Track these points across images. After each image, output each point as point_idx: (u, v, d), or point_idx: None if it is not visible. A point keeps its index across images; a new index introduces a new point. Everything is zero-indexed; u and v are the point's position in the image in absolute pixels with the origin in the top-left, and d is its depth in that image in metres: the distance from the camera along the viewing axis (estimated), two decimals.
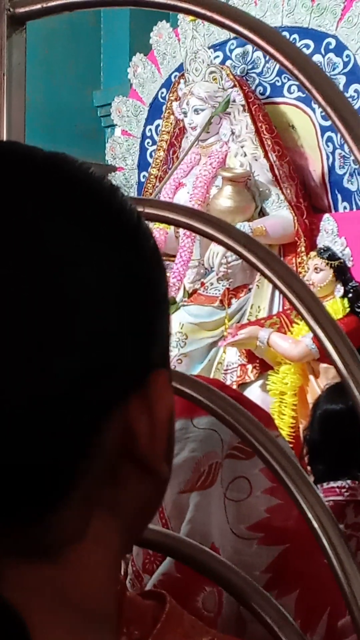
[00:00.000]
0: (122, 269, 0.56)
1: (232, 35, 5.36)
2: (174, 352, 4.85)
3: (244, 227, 4.72)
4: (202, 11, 0.90)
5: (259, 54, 5.29)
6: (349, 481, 2.13)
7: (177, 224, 0.94)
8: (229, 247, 0.90)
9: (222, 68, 5.21)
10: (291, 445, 3.88)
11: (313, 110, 5.05)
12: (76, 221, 0.55)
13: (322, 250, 4.66)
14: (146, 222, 0.61)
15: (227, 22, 0.91)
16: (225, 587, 0.96)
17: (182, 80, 5.32)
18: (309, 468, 2.26)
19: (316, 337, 0.85)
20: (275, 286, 0.87)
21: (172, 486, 1.46)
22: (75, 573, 0.56)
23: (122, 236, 0.57)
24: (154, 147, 5.63)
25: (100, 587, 0.58)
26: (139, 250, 0.58)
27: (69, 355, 0.52)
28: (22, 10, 1.00)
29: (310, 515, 0.84)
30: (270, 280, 0.88)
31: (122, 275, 0.56)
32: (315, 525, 0.83)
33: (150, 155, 5.67)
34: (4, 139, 1.00)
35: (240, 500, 1.44)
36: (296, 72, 0.86)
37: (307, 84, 0.84)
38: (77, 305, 0.53)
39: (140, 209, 0.98)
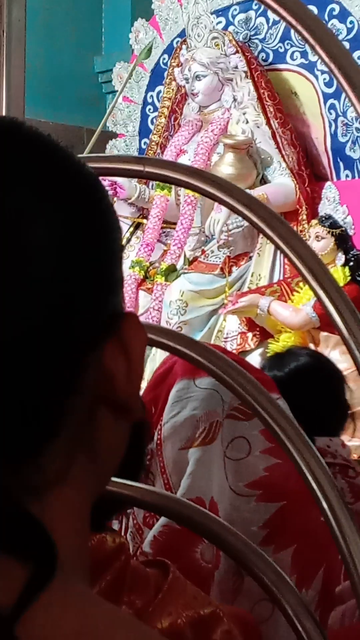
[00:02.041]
0: (77, 223, 0.61)
1: (235, 0, 5.33)
2: (173, 320, 4.85)
3: None
4: None
5: (262, 20, 5.25)
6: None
7: (178, 183, 0.93)
8: (230, 207, 0.89)
9: (224, 34, 5.16)
10: None
11: (316, 77, 5.02)
12: (31, 180, 0.59)
13: (323, 219, 4.64)
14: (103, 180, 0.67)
15: None
16: (223, 548, 0.96)
17: (184, 46, 5.27)
18: None
19: (317, 298, 0.84)
20: (276, 246, 0.87)
21: (174, 443, 1.48)
22: (53, 516, 0.58)
23: (77, 192, 0.62)
24: (156, 113, 5.59)
25: (76, 533, 0.60)
26: (94, 206, 0.63)
27: (29, 301, 0.57)
28: None
29: (309, 477, 0.84)
30: (271, 241, 0.87)
31: (77, 229, 0.60)
32: (314, 486, 0.83)
33: (152, 122, 5.63)
34: (4, 95, 0.99)
35: (240, 459, 1.45)
36: (300, 28, 0.84)
37: (311, 40, 0.83)
38: (33, 256, 0.58)
39: (140, 168, 0.97)
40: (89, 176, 0.64)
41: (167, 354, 1.54)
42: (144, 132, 5.70)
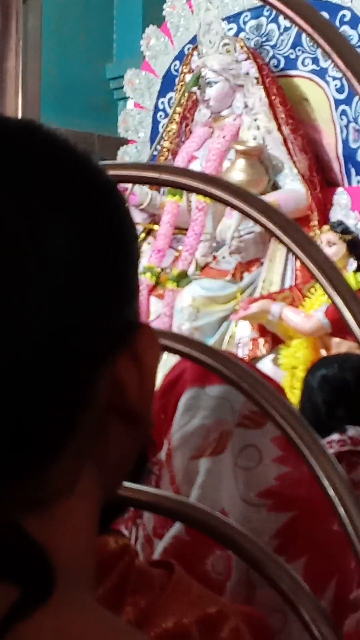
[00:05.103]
0: (93, 233, 0.59)
1: (246, 7, 5.34)
2: (185, 326, 4.85)
3: None
4: None
5: (273, 26, 5.26)
6: (336, 435, 2.14)
7: (194, 190, 0.93)
8: (246, 213, 0.89)
9: (235, 40, 5.17)
10: None
11: (327, 83, 5.02)
12: (46, 188, 0.58)
13: (335, 225, 4.64)
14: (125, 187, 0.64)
15: None
16: (239, 554, 0.96)
17: (195, 53, 5.29)
18: None
19: (333, 304, 0.84)
20: (293, 253, 0.87)
21: (184, 453, 1.47)
22: (59, 529, 0.58)
23: (94, 201, 0.60)
24: (167, 119, 5.60)
25: (81, 543, 0.59)
26: (112, 214, 0.61)
27: (43, 314, 0.55)
28: None
29: (326, 483, 0.84)
30: (288, 247, 0.88)
31: (93, 239, 0.58)
32: (331, 493, 0.83)
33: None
34: (20, 104, 1.00)
35: (250, 469, 1.44)
36: (316, 36, 0.85)
37: (327, 48, 0.83)
38: (47, 268, 0.56)
39: (156, 175, 0.98)
40: (107, 183, 0.62)
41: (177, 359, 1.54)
42: (155, 138, 5.71)
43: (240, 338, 4.84)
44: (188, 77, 5.31)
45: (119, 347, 0.60)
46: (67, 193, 0.59)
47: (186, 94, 5.40)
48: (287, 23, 5.02)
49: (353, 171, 4.97)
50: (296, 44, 5.14)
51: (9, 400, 0.55)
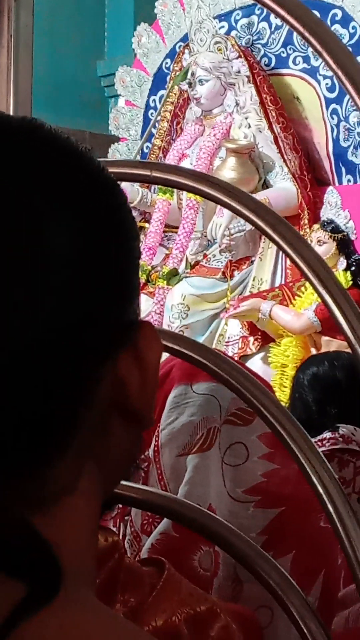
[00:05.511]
0: (96, 231, 0.59)
1: (238, 5, 5.34)
2: (175, 324, 4.85)
3: None
4: None
5: (265, 24, 5.26)
6: (328, 433, 2.15)
7: (185, 188, 0.94)
8: (236, 212, 0.90)
9: (227, 38, 5.17)
10: None
11: (318, 82, 5.03)
12: (50, 185, 0.58)
13: (325, 223, 4.64)
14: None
15: None
16: (227, 550, 0.97)
17: (186, 51, 5.29)
18: None
19: (323, 302, 0.85)
20: (283, 251, 0.87)
21: (171, 450, 1.47)
22: (62, 527, 0.58)
23: (97, 199, 0.60)
24: (158, 117, 5.60)
25: (83, 541, 0.59)
26: (114, 213, 0.61)
27: (45, 311, 0.55)
28: None
29: (314, 479, 0.85)
30: (278, 245, 0.88)
31: (95, 237, 0.59)
32: (320, 489, 0.84)
33: (154, 126, 5.64)
34: (12, 100, 1.00)
35: (238, 465, 1.45)
36: (307, 35, 0.85)
37: (319, 47, 0.83)
38: (49, 265, 0.56)
39: (147, 173, 0.98)
40: (108, 181, 0.62)
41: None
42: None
43: (230, 336, 4.85)
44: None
45: (121, 345, 0.60)
46: (69, 191, 0.59)
47: (174, 90, 5.40)
48: (279, 21, 5.02)
49: (343, 170, 4.97)
50: (287, 42, 5.14)
51: (12, 398, 0.55)
